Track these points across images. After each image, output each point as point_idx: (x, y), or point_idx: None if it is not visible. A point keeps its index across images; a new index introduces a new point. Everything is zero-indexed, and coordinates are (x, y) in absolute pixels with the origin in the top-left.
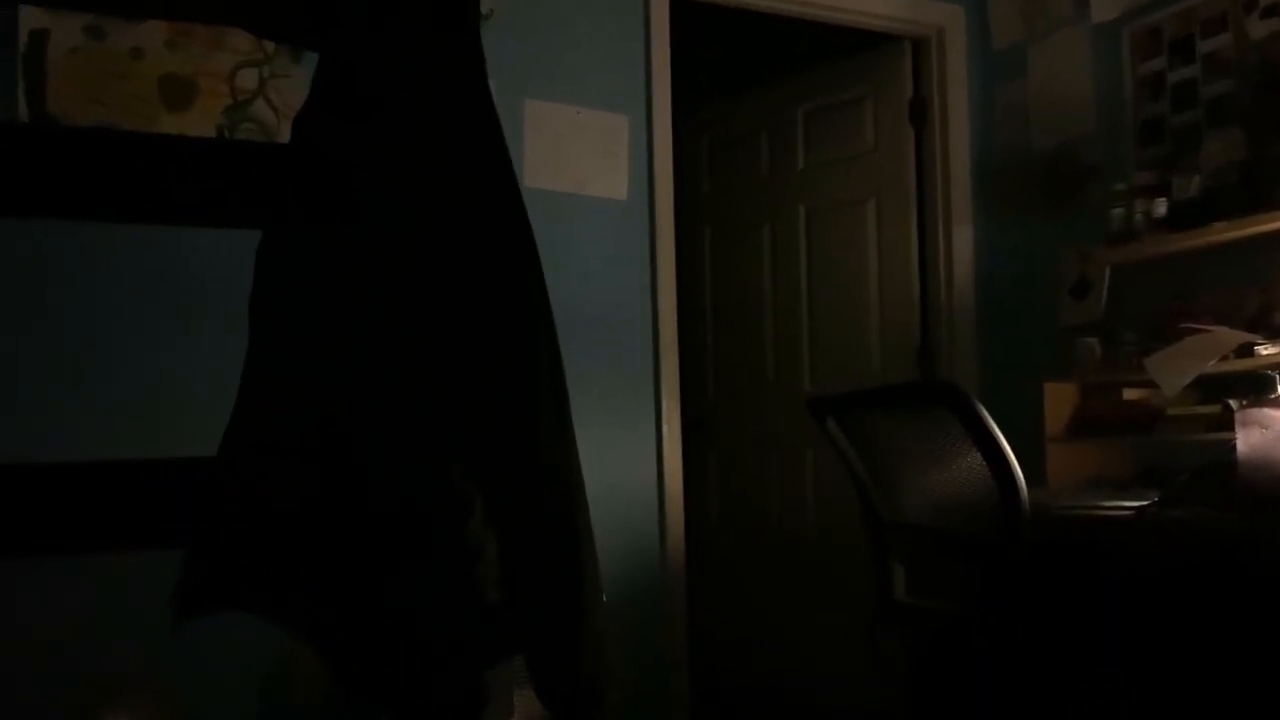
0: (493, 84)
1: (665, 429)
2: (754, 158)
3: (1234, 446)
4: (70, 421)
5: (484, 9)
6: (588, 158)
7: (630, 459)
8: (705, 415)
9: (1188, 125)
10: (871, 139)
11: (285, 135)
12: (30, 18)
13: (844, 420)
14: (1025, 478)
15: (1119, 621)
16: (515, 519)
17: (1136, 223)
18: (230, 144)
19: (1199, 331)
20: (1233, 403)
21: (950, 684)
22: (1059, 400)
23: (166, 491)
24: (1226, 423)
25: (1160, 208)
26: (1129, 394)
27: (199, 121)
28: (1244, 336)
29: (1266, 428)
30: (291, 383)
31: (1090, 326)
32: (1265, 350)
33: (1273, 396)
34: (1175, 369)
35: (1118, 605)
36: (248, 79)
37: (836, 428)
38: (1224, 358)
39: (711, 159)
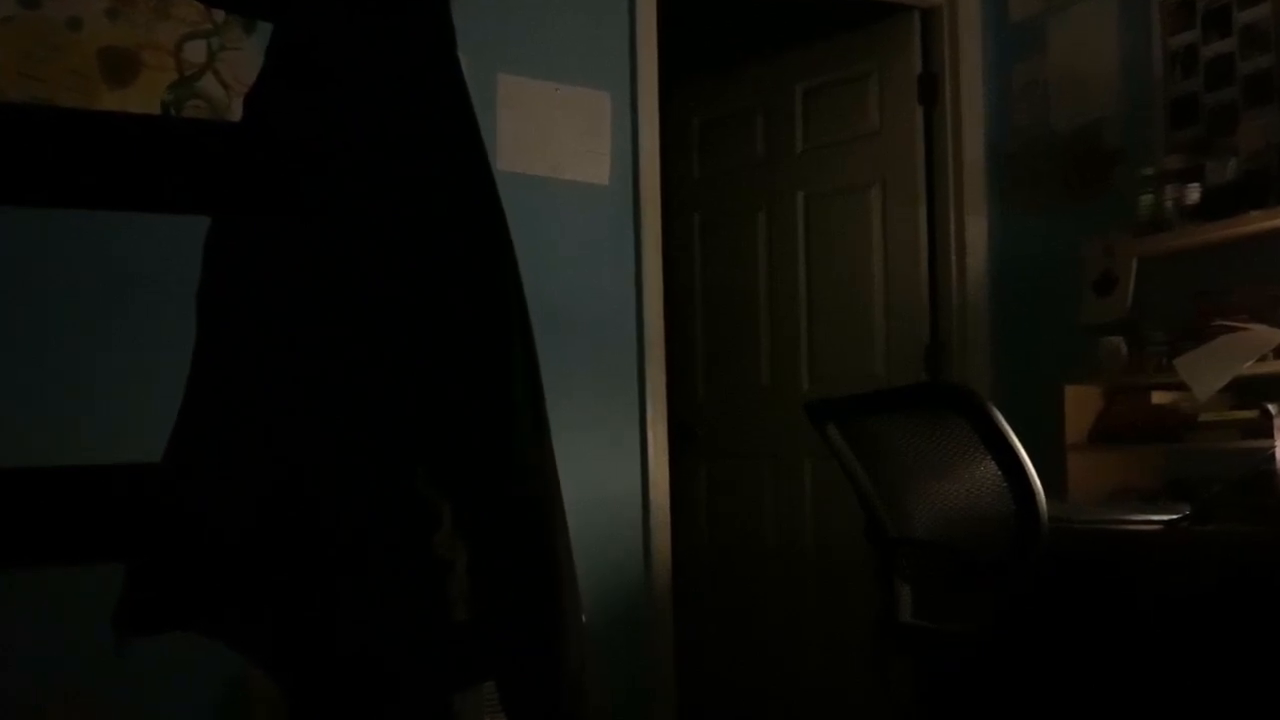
0: (464, 58)
1: (650, 436)
2: (748, 139)
3: (1273, 455)
4: None
5: None
6: (566, 138)
7: (612, 469)
8: (694, 421)
9: (1223, 104)
10: (876, 119)
11: (236, 113)
12: None
13: (846, 427)
14: (1044, 489)
15: (1147, 647)
16: (487, 532)
17: (1166, 211)
18: (176, 122)
19: (1234, 330)
20: (1271, 407)
21: (961, 715)
22: (1080, 404)
23: (104, 501)
24: (1264, 429)
25: (1192, 194)
26: (1157, 398)
27: (142, 98)
28: None
29: None
30: (241, 382)
31: (1115, 324)
32: None
33: None
34: (1208, 370)
35: (1145, 629)
36: (195, 52)
37: (837, 435)
38: (1261, 358)
39: (702, 141)
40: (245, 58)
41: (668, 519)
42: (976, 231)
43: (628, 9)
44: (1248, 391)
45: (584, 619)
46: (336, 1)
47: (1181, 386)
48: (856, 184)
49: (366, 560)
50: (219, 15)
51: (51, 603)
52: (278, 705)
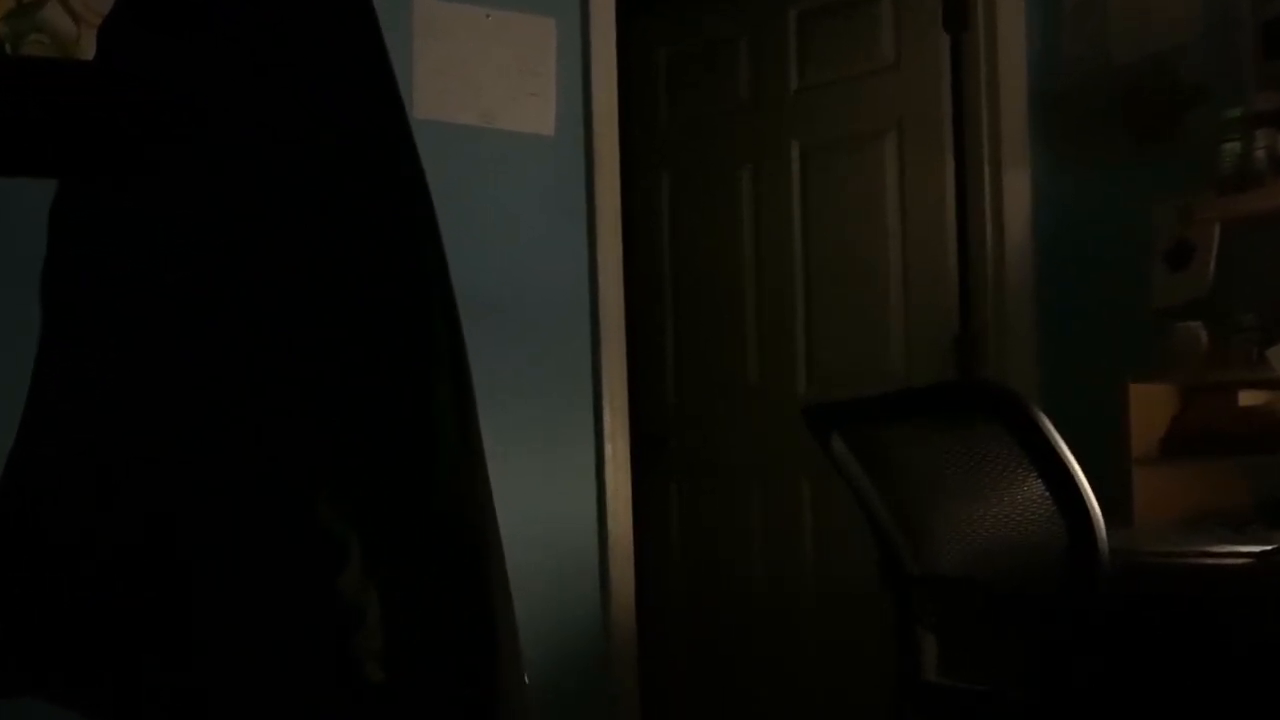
0: None
1: (609, 450)
2: (729, 77)
3: None
4: None
5: None
6: (501, 78)
7: (561, 492)
8: (663, 431)
9: None
10: (891, 50)
11: (87, 50)
12: None
13: (854, 437)
14: (1105, 513)
15: (1236, 709)
16: (406, 572)
17: (1257, 163)
18: (14, 61)
19: None
20: None
21: None
22: (1150, 407)
23: None
24: None
25: None
26: (1245, 398)
27: None
28: None
29: None
30: (93, 385)
31: (1193, 306)
32: None
33: None
34: None
35: (1234, 686)
36: None
37: (844, 447)
38: None
39: (671, 79)
40: None
41: (630, 554)
42: (1017, 191)
43: None
44: None
45: (526, 680)
46: None
47: (1277, 385)
48: (866, 132)
49: (246, 608)
50: None
51: None
52: None
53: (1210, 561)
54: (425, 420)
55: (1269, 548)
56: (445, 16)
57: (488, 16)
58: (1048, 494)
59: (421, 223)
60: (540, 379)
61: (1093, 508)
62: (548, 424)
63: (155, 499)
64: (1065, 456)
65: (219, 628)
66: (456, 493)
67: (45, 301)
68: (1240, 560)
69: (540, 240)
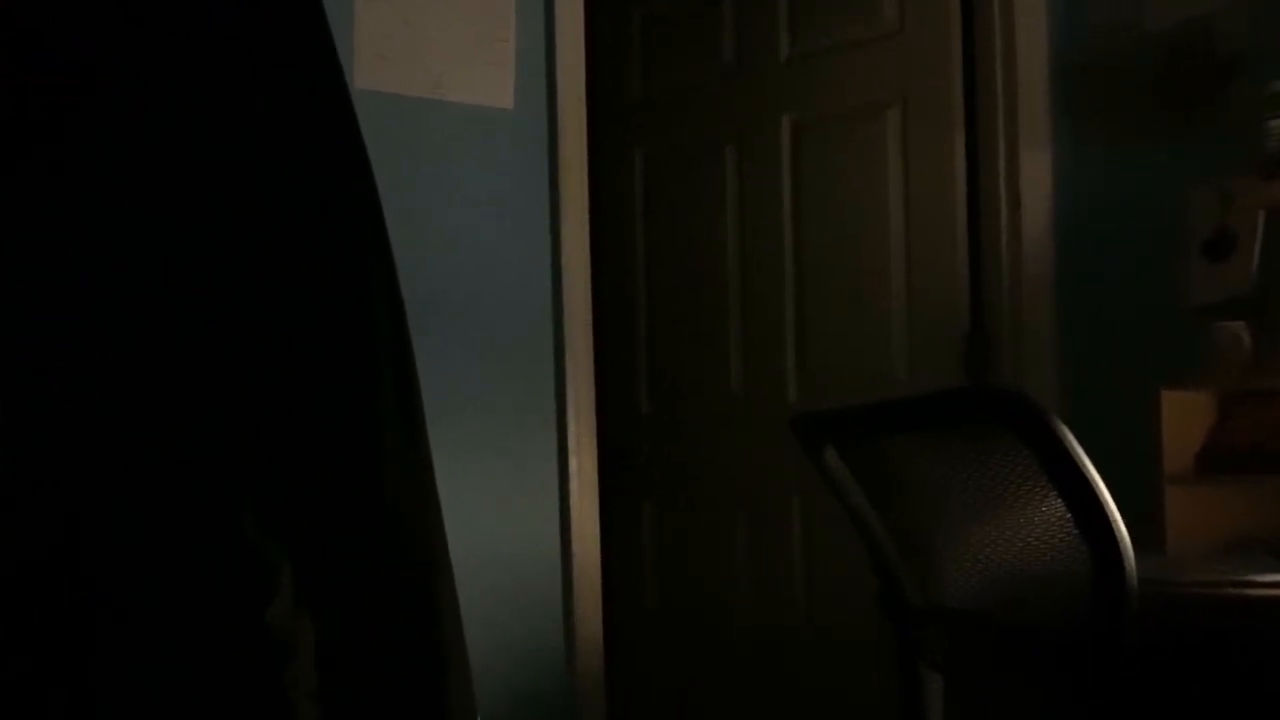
0: None
1: (573, 466)
2: (711, 44)
3: None
4: None
5: None
6: (453, 43)
7: (520, 513)
8: (635, 445)
9: None
10: (895, 13)
11: None
12: None
13: (850, 451)
14: (1134, 537)
15: None
16: (343, 601)
17: None
18: None
19: None
20: None
21: None
22: (1185, 417)
23: None
24: None
25: None
26: None
27: None
28: None
29: None
30: None
31: (1234, 303)
32: None
33: None
34: None
35: None
36: None
37: (839, 462)
38: None
39: (646, 45)
40: None
41: (597, 583)
42: (1036, 173)
43: None
44: None
45: None
46: None
47: None
48: (866, 106)
49: (154, 640)
50: None
51: None
52: None
53: (1254, 593)
54: (366, 424)
55: None
56: None
57: None
58: (1069, 516)
59: (362, 205)
60: (495, 384)
61: (1120, 532)
62: (503, 435)
63: (48, 513)
64: (1089, 473)
65: (122, 662)
66: (402, 507)
67: None
68: None
69: (496, 228)
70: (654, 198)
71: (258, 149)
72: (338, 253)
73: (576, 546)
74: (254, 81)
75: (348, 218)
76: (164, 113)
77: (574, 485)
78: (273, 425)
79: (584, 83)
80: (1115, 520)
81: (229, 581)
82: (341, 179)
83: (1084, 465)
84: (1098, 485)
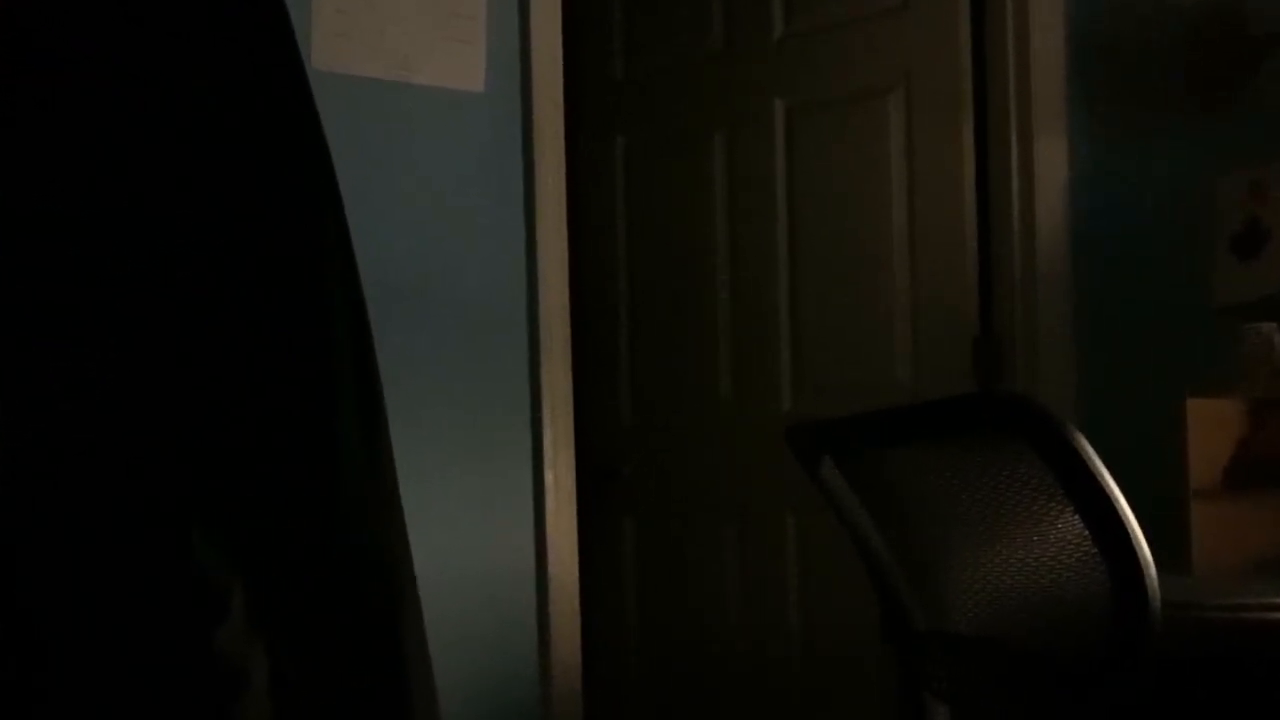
0: None
1: (549, 480)
2: (699, 22)
3: None
4: None
5: None
6: (420, 21)
7: (491, 531)
8: (617, 457)
9: None
10: None
11: None
12: None
13: (850, 463)
14: (1156, 556)
15: None
16: (302, 623)
17: None
18: None
19: None
20: None
21: None
22: (1212, 427)
23: None
24: None
25: None
26: None
27: None
28: None
29: None
30: None
31: (1266, 303)
32: None
33: None
34: None
35: None
36: None
37: (837, 475)
38: None
39: (628, 24)
40: None
41: (575, 607)
42: (1051, 161)
43: None
44: None
45: None
46: None
47: None
48: (867, 89)
49: (96, 670)
50: None
51: None
52: None
53: None
54: (324, 435)
55: None
56: None
57: None
58: (1086, 533)
59: (320, 197)
60: (463, 390)
61: (1142, 550)
62: (472, 446)
63: None
64: (1108, 487)
65: (60, 690)
66: (363, 524)
67: None
68: None
69: (467, 221)
70: (637, 188)
71: (202, 137)
72: (293, 250)
73: (553, 567)
74: (200, 67)
75: (304, 212)
76: (99, 97)
77: (550, 500)
78: (223, 436)
79: (561, 63)
80: (1136, 538)
81: (175, 602)
82: (297, 169)
83: (1103, 478)
84: (1117, 500)
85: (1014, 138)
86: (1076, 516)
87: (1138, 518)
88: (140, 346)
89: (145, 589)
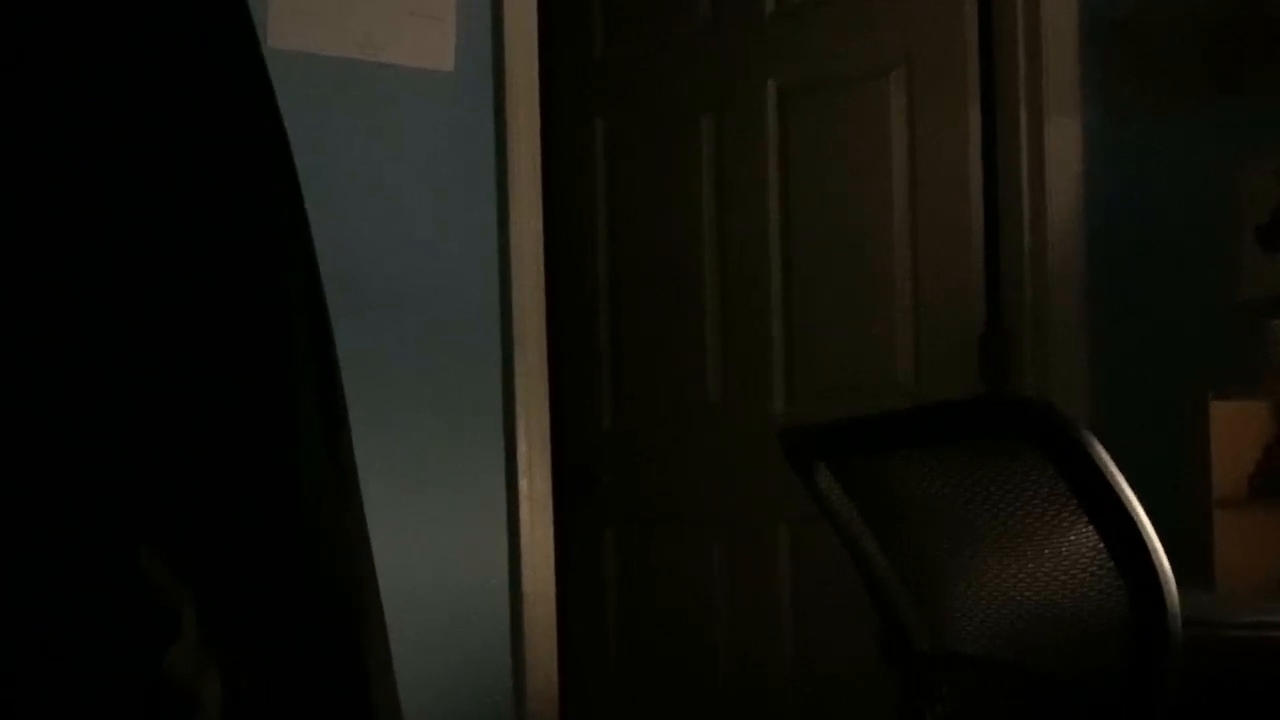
0: None
1: (524, 488)
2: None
3: None
4: None
5: None
6: None
7: (461, 543)
8: (597, 463)
9: None
10: None
11: None
12: None
13: (847, 469)
14: (1177, 571)
15: None
16: (258, 643)
17: None
18: None
19: None
20: None
21: None
22: (1237, 430)
23: None
24: None
25: None
26: None
27: None
28: None
29: None
30: None
31: None
32: None
33: None
34: None
35: None
36: None
37: (833, 483)
38: None
39: (608, 1)
40: None
41: (552, 624)
42: (1064, 146)
43: None
44: None
45: None
46: None
47: None
48: (866, 69)
49: (41, 691)
50: None
51: None
52: None
53: None
54: (282, 442)
55: None
56: None
57: None
58: (1101, 545)
59: (277, 185)
60: (432, 393)
61: (1161, 564)
62: (441, 452)
63: None
64: (1125, 495)
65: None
66: (323, 536)
67: None
68: None
69: (434, 211)
70: (618, 175)
71: (138, 121)
72: (246, 243)
73: (527, 583)
74: (131, 36)
75: (258, 202)
76: (24, 77)
77: (524, 509)
78: (172, 445)
79: (536, 42)
80: (1156, 550)
81: (122, 622)
82: (250, 155)
83: (1119, 486)
84: (1135, 509)
85: (1023, 120)
86: (1091, 528)
87: (1156, 529)
88: (78, 350)
89: (89, 608)
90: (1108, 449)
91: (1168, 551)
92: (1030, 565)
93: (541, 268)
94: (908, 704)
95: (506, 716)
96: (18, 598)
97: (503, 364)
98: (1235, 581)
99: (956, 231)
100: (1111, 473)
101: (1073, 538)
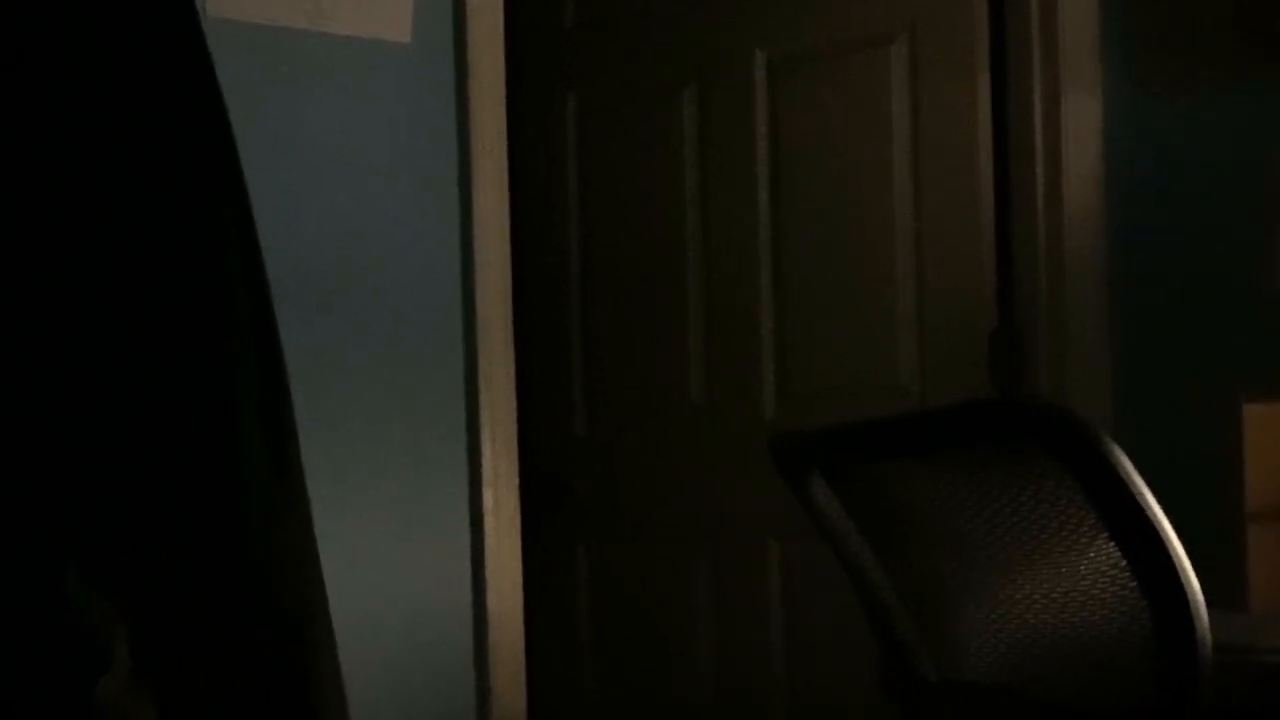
0: None
1: (489, 500)
2: None
3: None
4: None
5: None
6: None
7: (419, 560)
8: (570, 472)
9: None
10: None
11: None
12: None
13: (844, 480)
14: (1206, 590)
15: None
16: (197, 670)
17: None
18: None
19: None
20: None
21: None
22: (1272, 437)
23: None
24: None
25: None
26: None
27: None
28: None
29: None
30: None
31: None
32: None
33: None
34: None
35: None
36: None
37: (829, 495)
38: None
39: None
40: None
41: (520, 649)
42: (1083, 125)
43: None
44: None
45: None
46: None
47: None
48: (865, 37)
49: None
50: None
51: None
52: None
53: None
54: (223, 454)
55: None
56: None
57: None
58: (1123, 563)
59: (214, 168)
60: (388, 395)
61: (1189, 583)
62: (398, 460)
63: None
64: (1149, 509)
65: None
66: (268, 555)
67: None
68: None
69: (391, 194)
70: (592, 155)
71: (65, 98)
72: (188, 240)
73: (493, 604)
74: (74, 17)
75: (195, 188)
76: None
77: (490, 525)
78: (103, 462)
79: (501, 9)
80: (1183, 568)
81: (49, 651)
82: (186, 135)
83: (1143, 498)
84: (1161, 524)
85: (1037, 94)
86: (1112, 544)
87: (1184, 545)
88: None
89: (13, 636)
90: (1130, 457)
91: (1196, 570)
92: (1045, 585)
93: (508, 257)
94: None
95: None
96: None
97: (465, 361)
98: (1270, 602)
99: (964, 217)
100: (1135, 483)
101: (1092, 555)
